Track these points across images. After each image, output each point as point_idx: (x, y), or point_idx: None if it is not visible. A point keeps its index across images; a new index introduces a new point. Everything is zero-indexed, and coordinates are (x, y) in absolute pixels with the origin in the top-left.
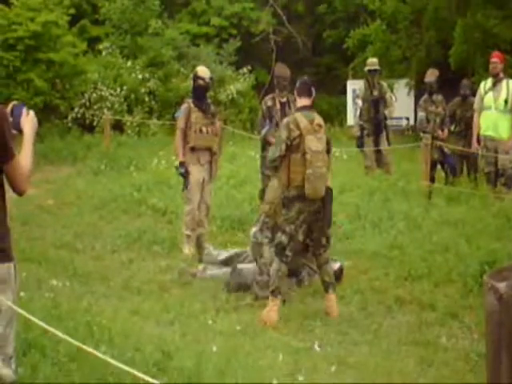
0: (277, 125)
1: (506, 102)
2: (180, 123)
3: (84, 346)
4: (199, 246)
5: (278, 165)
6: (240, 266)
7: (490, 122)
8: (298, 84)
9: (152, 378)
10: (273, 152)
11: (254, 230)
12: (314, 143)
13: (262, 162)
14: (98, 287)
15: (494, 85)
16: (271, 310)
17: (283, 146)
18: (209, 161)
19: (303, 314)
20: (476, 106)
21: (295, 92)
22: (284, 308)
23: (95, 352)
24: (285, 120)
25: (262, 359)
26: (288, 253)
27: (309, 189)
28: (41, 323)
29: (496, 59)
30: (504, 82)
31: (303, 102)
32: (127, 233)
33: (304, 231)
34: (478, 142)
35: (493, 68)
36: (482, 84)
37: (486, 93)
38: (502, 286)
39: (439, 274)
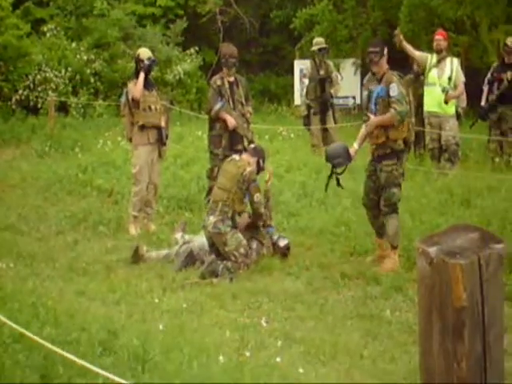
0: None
1: (449, 79)
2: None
3: (26, 331)
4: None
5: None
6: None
7: (435, 98)
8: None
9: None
10: (404, 107)
11: (211, 219)
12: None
13: (210, 140)
14: (43, 269)
15: (439, 62)
16: (396, 260)
17: (407, 99)
18: (157, 139)
19: (250, 291)
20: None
21: (378, 56)
22: (231, 285)
23: (36, 338)
24: (395, 79)
25: (208, 336)
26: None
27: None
28: None
29: (440, 36)
30: (448, 60)
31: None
32: (72, 214)
33: None
34: None
35: (437, 45)
36: (429, 57)
37: (429, 69)
38: (432, 250)
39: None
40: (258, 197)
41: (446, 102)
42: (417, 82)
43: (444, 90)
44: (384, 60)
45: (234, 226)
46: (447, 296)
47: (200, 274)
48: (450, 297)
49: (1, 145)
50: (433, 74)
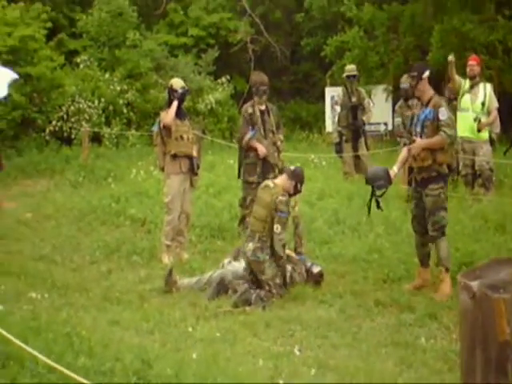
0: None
1: (482, 104)
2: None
3: (56, 365)
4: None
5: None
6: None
7: (468, 123)
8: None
9: None
10: (453, 131)
11: (250, 246)
12: None
13: (244, 169)
14: (77, 299)
15: (471, 87)
16: (450, 283)
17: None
18: (189, 169)
19: (283, 319)
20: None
21: (415, 80)
22: (264, 314)
23: (66, 370)
24: (444, 103)
25: (242, 365)
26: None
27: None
28: (16, 340)
29: (473, 62)
30: (481, 86)
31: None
32: (106, 244)
33: None
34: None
35: (470, 70)
36: (462, 82)
37: (462, 95)
38: (474, 284)
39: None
40: (277, 228)
41: (479, 131)
42: (450, 108)
43: (476, 119)
44: (423, 83)
45: (273, 254)
46: (490, 330)
47: (233, 303)
48: (494, 331)
49: (35, 175)
50: (466, 100)
